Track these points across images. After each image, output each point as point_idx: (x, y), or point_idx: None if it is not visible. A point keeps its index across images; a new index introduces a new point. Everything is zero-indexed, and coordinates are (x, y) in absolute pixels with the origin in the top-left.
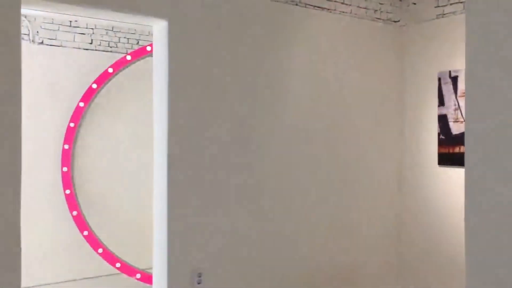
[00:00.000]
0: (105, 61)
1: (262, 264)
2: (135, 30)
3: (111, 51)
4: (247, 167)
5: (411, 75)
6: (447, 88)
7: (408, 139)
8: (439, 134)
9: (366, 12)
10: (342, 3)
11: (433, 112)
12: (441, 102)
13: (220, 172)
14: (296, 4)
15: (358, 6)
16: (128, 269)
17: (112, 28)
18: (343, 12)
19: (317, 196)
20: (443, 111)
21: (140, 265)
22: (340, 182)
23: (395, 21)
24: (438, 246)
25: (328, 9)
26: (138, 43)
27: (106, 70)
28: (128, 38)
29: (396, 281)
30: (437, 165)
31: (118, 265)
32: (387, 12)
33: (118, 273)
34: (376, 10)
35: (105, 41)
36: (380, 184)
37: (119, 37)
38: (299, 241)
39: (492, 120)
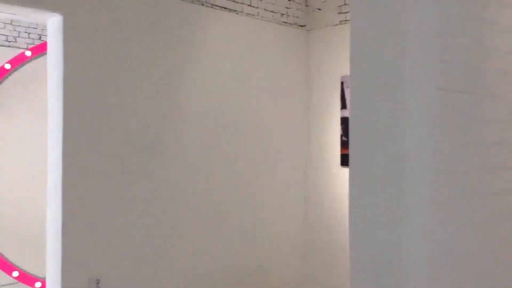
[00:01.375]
0: (2, 57)
1: (164, 267)
2: (36, 24)
3: (9, 46)
4: (150, 168)
5: (316, 78)
6: (349, 92)
7: (313, 141)
8: (341, 136)
9: (273, 16)
10: (249, 5)
11: (336, 114)
12: (344, 105)
13: (119, 174)
14: (202, 4)
15: (265, 9)
16: (26, 278)
17: (11, 21)
18: (250, 14)
19: (224, 197)
20: (345, 113)
21: (40, 273)
22: (247, 183)
23: (301, 26)
24: (341, 245)
25: (235, 11)
26: (40, 38)
27: (3, 66)
28: (29, 33)
29: (302, 280)
30: (339, 166)
31: (15, 274)
32: (294, 17)
33: (15, 283)
34: (283, 14)
35: (3, 35)
36: (286, 185)
37: (19, 32)
38: (206, 243)
39: (371, 123)
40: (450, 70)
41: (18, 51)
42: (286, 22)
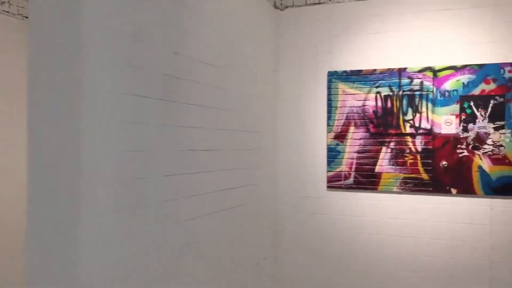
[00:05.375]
0: None
1: None
2: None
3: None
4: None
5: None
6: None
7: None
8: None
9: None
10: None
11: None
12: None
13: None
14: None
15: None
16: None
17: None
18: None
19: None
20: None
21: None
22: None
23: (26, 17)
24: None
25: None
26: None
27: None
28: None
29: None
30: None
31: None
32: (18, 6)
33: None
34: (3, 2)
35: None
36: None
37: None
38: None
39: (48, 133)
40: (142, 76)
41: None
42: (8, 12)
